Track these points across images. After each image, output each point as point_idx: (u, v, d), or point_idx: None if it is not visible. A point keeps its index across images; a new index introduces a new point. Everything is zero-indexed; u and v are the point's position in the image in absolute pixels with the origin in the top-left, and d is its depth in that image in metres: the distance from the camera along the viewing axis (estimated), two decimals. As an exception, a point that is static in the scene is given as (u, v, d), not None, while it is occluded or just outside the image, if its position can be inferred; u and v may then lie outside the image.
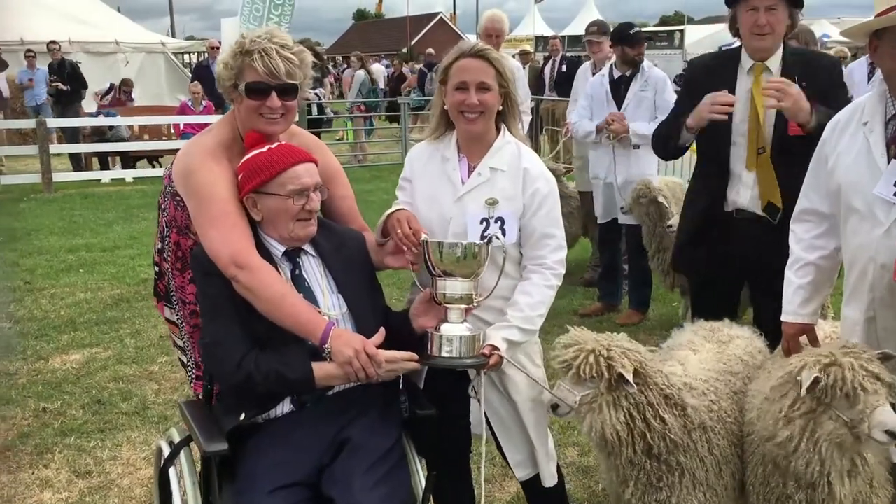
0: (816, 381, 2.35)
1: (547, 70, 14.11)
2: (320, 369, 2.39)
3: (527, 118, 6.97)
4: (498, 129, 2.77)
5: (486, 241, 2.56)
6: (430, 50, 24.51)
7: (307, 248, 2.60)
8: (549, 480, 2.94)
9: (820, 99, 3.28)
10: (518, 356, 2.73)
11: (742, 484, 2.80)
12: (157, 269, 2.99)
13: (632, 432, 2.53)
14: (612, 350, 2.54)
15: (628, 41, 5.88)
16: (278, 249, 2.55)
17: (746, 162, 3.51)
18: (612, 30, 6.45)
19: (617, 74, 6.01)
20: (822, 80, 3.41)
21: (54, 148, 12.91)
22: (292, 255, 2.57)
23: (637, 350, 2.61)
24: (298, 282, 2.53)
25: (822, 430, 2.36)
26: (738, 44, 3.66)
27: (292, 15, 11.30)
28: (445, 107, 2.76)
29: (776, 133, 3.44)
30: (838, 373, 2.33)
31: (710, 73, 3.68)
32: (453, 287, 2.52)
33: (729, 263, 3.69)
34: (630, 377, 2.49)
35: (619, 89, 5.96)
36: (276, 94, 2.57)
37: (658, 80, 5.85)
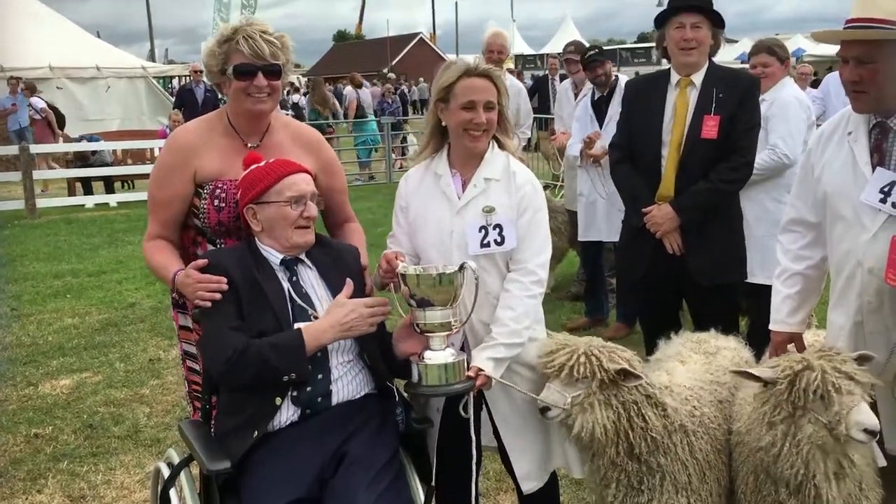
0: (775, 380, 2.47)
1: (557, 88, 14.18)
2: (308, 330, 2.48)
3: (524, 137, 7.07)
4: (489, 142, 2.84)
5: (459, 267, 2.57)
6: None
7: (304, 258, 2.69)
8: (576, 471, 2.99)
9: (733, 110, 3.75)
10: (518, 367, 2.77)
11: (729, 491, 2.85)
12: None
13: (617, 431, 2.59)
14: (602, 350, 2.62)
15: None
16: (276, 257, 2.64)
17: (667, 160, 3.85)
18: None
19: (597, 96, 6.16)
20: (737, 95, 3.79)
21: (37, 174, 12.87)
22: (290, 263, 2.65)
23: (620, 349, 2.69)
24: (297, 288, 2.62)
25: (803, 434, 2.43)
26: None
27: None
28: (444, 124, 2.82)
29: (691, 135, 3.79)
30: (811, 376, 2.41)
31: (646, 90, 4.05)
32: (432, 316, 2.55)
33: (665, 268, 3.91)
34: (634, 371, 2.59)
35: (600, 110, 6.10)
36: (262, 74, 2.76)
37: None
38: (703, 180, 3.77)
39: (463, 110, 2.73)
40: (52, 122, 15.23)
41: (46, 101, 15.66)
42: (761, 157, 4.59)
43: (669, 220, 3.81)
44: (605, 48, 7.15)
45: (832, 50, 2.96)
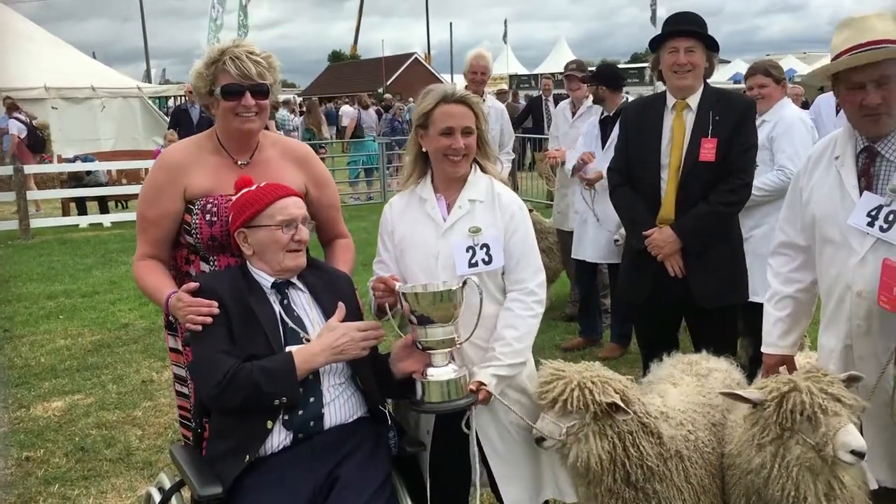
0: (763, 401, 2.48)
1: (551, 109, 14.19)
2: (300, 353, 2.49)
3: (508, 159, 7.07)
4: (470, 165, 2.88)
5: (461, 283, 2.61)
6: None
7: (295, 281, 2.70)
8: (568, 497, 2.96)
9: (730, 132, 3.78)
10: (509, 390, 2.77)
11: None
12: None
13: (613, 460, 2.59)
14: (595, 381, 2.61)
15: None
16: (267, 281, 2.65)
17: (667, 183, 3.87)
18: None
19: (604, 115, 6.16)
20: (734, 117, 3.82)
21: (31, 194, 12.86)
22: (281, 286, 2.66)
23: (617, 378, 2.69)
24: (288, 311, 2.63)
25: (791, 455, 2.44)
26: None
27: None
28: (424, 150, 2.86)
29: (689, 158, 3.82)
30: (797, 397, 2.42)
31: (642, 113, 4.07)
32: (434, 333, 2.58)
33: (667, 291, 3.93)
34: (623, 405, 2.57)
35: (606, 129, 6.10)
36: (250, 93, 2.79)
37: None
38: (703, 203, 3.81)
39: (441, 136, 2.78)
40: (22, 145, 14.97)
41: (26, 123, 15.54)
42: (770, 178, 4.65)
43: (670, 242, 3.83)
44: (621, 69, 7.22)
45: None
